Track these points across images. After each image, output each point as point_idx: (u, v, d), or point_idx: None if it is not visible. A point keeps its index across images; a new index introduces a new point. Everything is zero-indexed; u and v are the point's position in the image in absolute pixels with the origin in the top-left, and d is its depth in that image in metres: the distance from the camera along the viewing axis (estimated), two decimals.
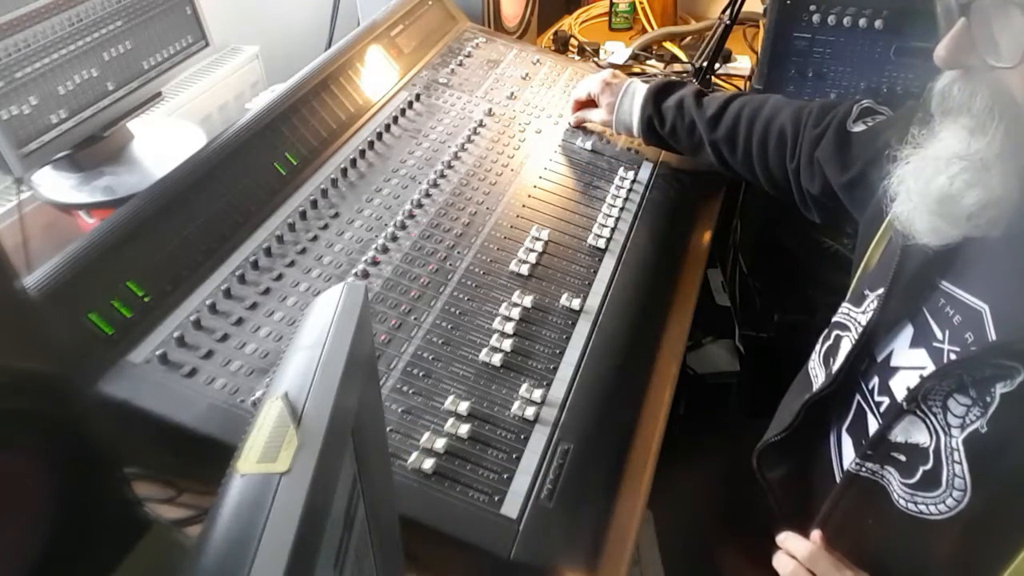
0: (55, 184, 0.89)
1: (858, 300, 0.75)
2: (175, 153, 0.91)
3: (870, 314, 0.71)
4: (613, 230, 0.87)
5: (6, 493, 0.41)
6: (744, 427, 0.96)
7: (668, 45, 1.48)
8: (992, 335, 0.59)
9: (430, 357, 0.68)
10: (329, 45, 1.32)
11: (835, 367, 0.73)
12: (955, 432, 0.59)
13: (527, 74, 1.14)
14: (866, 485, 0.66)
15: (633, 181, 0.96)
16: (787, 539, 0.68)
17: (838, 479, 0.70)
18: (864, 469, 0.66)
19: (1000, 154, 0.56)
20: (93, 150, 0.89)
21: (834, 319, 0.78)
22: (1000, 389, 0.56)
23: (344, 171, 0.86)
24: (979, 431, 0.57)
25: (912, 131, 0.65)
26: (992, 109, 0.55)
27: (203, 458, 0.57)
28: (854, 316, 0.74)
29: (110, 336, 0.62)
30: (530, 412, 0.64)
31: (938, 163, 0.60)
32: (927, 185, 0.61)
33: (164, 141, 0.98)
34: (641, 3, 1.55)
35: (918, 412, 0.62)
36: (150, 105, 0.93)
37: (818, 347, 0.80)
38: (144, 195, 0.72)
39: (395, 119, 0.97)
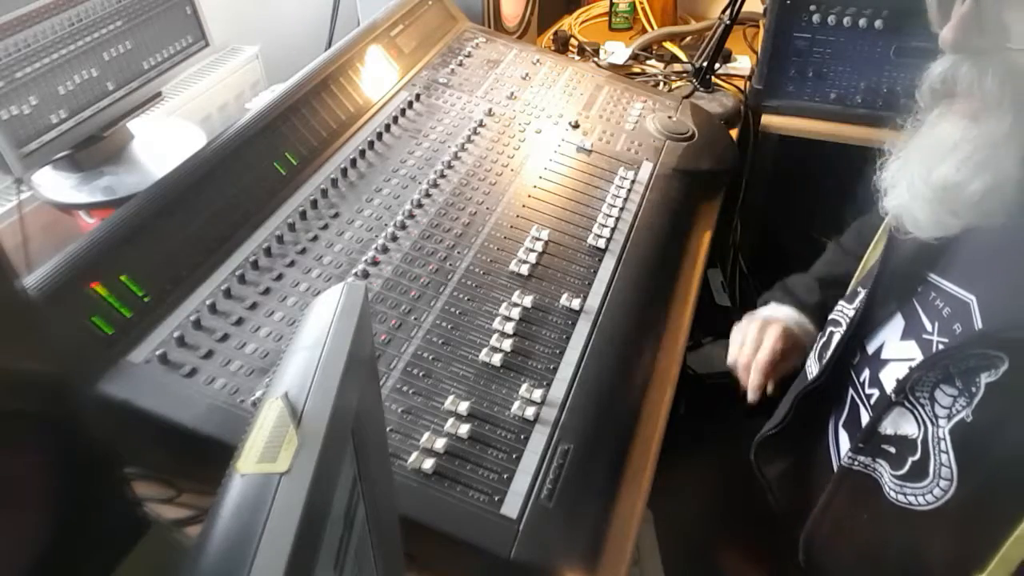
0: (55, 184, 0.89)
1: (851, 297, 0.75)
2: (175, 153, 0.91)
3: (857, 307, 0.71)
4: (613, 230, 0.87)
5: (6, 493, 0.41)
6: (743, 427, 0.96)
7: (668, 45, 1.48)
8: (979, 325, 0.59)
9: (430, 357, 0.68)
10: (329, 45, 1.32)
11: (825, 360, 0.73)
12: (942, 422, 0.59)
13: (527, 74, 1.14)
14: (859, 479, 0.66)
15: (633, 181, 0.96)
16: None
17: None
18: (856, 463, 0.66)
19: (1010, 133, 0.55)
20: (93, 150, 0.89)
21: (830, 316, 0.79)
22: (985, 379, 0.56)
23: (344, 171, 0.86)
24: (965, 420, 0.57)
25: (899, 123, 0.64)
26: (1003, 89, 0.55)
27: (203, 458, 0.57)
28: (845, 311, 0.75)
29: (110, 336, 0.62)
30: (530, 412, 0.64)
31: (940, 150, 0.60)
32: (928, 175, 0.60)
33: (164, 141, 0.98)
34: (641, 3, 1.55)
35: (906, 403, 0.62)
36: (150, 105, 0.93)
37: (815, 344, 0.80)
38: (144, 195, 0.72)
39: (395, 119, 0.97)
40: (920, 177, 0.61)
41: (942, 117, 0.60)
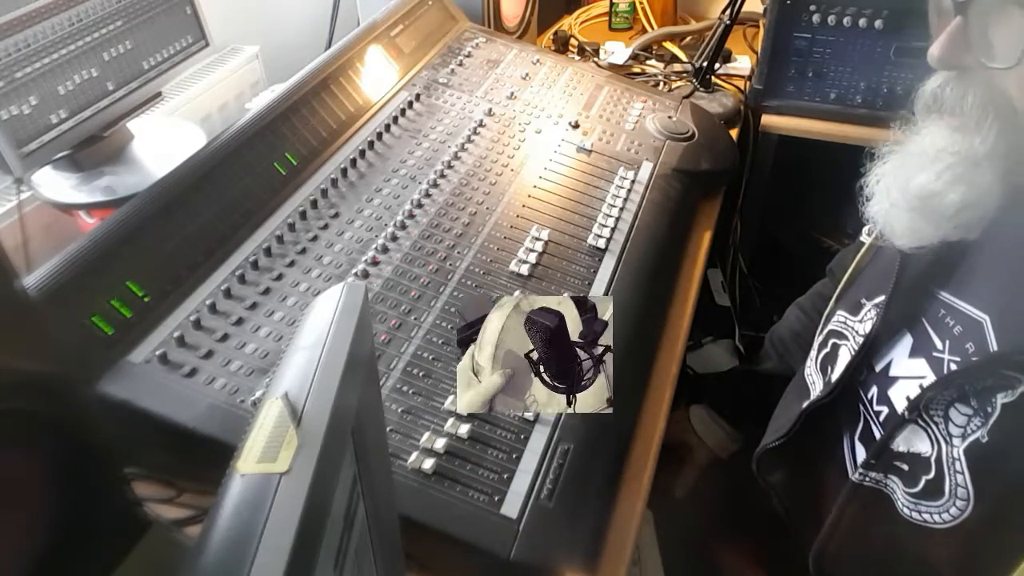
0: (55, 184, 0.89)
1: (854, 308, 0.75)
2: (175, 153, 0.91)
3: (869, 323, 0.71)
4: (613, 230, 0.87)
5: (6, 493, 0.41)
6: (743, 429, 0.96)
7: (668, 45, 1.48)
8: (993, 345, 0.58)
9: (430, 357, 0.68)
10: (329, 45, 1.32)
11: (834, 376, 0.73)
12: (956, 442, 0.58)
13: (527, 74, 1.14)
14: (870, 494, 0.65)
15: (633, 181, 0.96)
16: None
17: None
18: (868, 479, 0.65)
19: (991, 153, 0.56)
20: (93, 150, 0.89)
21: (830, 327, 0.78)
22: (1001, 399, 0.56)
23: (344, 171, 0.86)
24: (980, 440, 0.57)
25: (892, 129, 0.65)
26: (986, 107, 0.55)
27: (203, 458, 0.57)
28: (851, 325, 0.74)
29: (110, 336, 0.62)
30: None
31: (922, 159, 0.60)
32: (908, 182, 0.60)
33: (164, 141, 0.98)
34: (641, 3, 1.55)
35: (919, 421, 0.61)
36: (150, 105, 0.93)
37: (814, 354, 0.80)
38: (144, 195, 0.72)
39: (395, 119, 0.97)
40: (899, 186, 0.62)
41: (930, 125, 0.61)
